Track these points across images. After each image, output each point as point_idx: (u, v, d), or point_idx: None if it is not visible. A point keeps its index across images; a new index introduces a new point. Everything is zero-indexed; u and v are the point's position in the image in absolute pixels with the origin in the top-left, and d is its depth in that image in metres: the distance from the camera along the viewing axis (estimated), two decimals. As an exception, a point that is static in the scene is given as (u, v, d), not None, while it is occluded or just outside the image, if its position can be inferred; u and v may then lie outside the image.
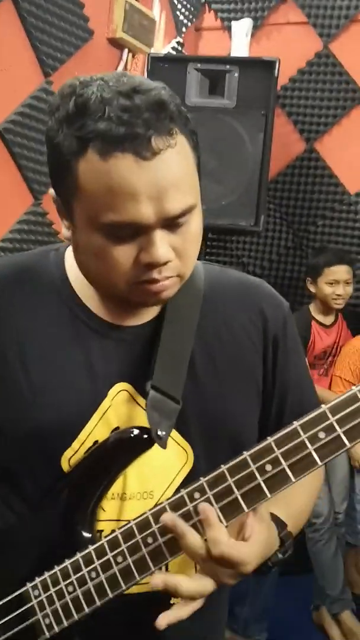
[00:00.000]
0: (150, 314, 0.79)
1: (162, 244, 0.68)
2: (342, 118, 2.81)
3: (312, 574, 2.40)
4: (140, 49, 2.54)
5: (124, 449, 0.72)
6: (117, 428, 0.74)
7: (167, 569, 0.75)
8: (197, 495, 0.66)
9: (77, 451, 0.74)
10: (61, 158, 0.68)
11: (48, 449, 0.73)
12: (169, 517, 0.66)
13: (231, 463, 0.66)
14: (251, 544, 0.67)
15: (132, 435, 0.72)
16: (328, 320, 2.54)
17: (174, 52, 2.89)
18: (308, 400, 0.85)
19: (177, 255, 0.70)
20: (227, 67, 2.37)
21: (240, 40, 2.62)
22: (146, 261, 0.68)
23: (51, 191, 0.74)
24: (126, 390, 0.76)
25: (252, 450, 0.66)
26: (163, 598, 0.71)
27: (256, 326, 0.82)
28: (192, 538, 0.65)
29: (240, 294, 0.84)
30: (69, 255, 0.79)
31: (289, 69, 2.79)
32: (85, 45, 2.24)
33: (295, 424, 0.65)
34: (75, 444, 0.74)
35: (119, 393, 0.76)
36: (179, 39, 2.95)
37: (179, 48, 2.96)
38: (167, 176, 0.66)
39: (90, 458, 0.73)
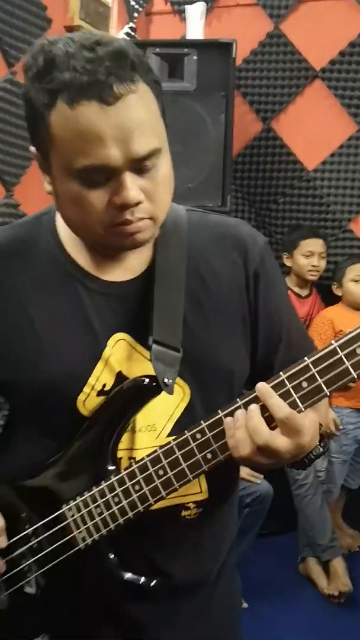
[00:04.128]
0: (138, 268, 0.86)
1: (132, 186, 0.73)
2: (296, 96, 2.90)
3: (294, 532, 2.56)
4: (97, 36, 2.56)
5: (136, 395, 0.82)
6: (120, 372, 0.84)
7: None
8: (198, 436, 0.79)
9: (89, 395, 0.83)
10: (35, 112, 0.73)
11: (63, 396, 0.83)
12: (263, 386, 0.76)
13: (228, 410, 0.78)
14: (307, 419, 0.76)
15: (143, 383, 0.82)
16: (303, 292, 2.66)
17: (127, 38, 2.91)
18: (287, 330, 0.93)
19: (148, 198, 0.75)
20: (185, 50, 2.42)
21: (195, 24, 2.66)
22: (118, 203, 0.73)
23: (32, 148, 0.79)
24: (124, 339, 0.84)
25: (246, 400, 0.77)
26: (174, 512, 0.86)
27: (237, 265, 0.88)
28: (278, 401, 0.74)
29: (219, 237, 0.89)
30: (60, 220, 0.84)
31: (242, 51, 2.83)
32: (45, 34, 2.23)
33: (282, 375, 0.76)
34: (86, 389, 0.83)
35: (117, 342, 0.84)
36: (131, 24, 2.97)
37: (132, 33, 2.98)
38: (131, 119, 0.71)
39: (108, 403, 0.83)
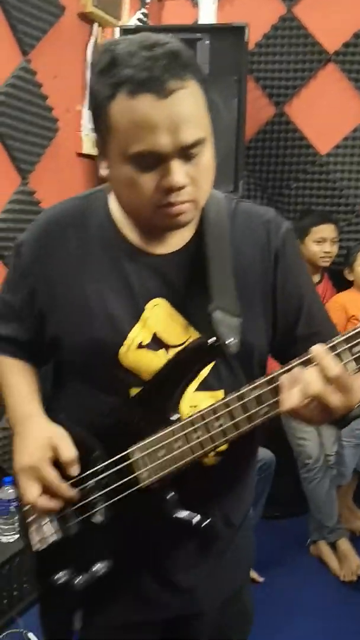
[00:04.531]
0: (178, 244, 0.96)
1: (179, 171, 0.82)
2: (309, 80, 2.89)
3: (305, 515, 2.61)
4: (110, 22, 2.56)
5: (200, 354, 0.91)
6: (155, 333, 0.94)
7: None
8: (256, 391, 0.86)
9: (129, 348, 0.94)
10: (98, 103, 0.84)
11: (107, 349, 0.94)
12: (318, 346, 0.81)
13: (285, 368, 0.84)
14: (358, 380, 0.82)
15: (207, 344, 0.89)
16: (315, 278, 2.67)
17: (140, 24, 2.91)
18: (305, 313, 1.00)
19: (192, 183, 0.85)
20: (198, 35, 2.42)
21: (207, 8, 2.66)
22: (165, 186, 0.83)
23: (94, 135, 0.90)
24: (161, 304, 0.95)
25: (302, 359, 0.83)
26: (224, 466, 0.96)
27: (261, 247, 0.98)
28: (332, 360, 0.80)
29: (249, 221, 0.99)
30: (112, 196, 0.96)
31: (254, 34, 2.83)
32: (58, 22, 2.25)
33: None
34: (126, 343, 0.94)
35: (155, 306, 0.95)
36: (143, 10, 2.96)
37: (145, 19, 2.97)
38: (180, 112, 0.80)
39: (175, 360, 0.93)
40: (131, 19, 2.87)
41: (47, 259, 0.96)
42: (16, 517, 2.17)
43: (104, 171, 0.90)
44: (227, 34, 2.43)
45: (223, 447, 0.95)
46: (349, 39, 2.77)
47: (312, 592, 2.38)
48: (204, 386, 0.95)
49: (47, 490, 0.94)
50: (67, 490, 0.94)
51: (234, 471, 1.02)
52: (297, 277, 1.01)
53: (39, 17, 2.13)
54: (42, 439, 0.95)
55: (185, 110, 0.81)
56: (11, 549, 2.10)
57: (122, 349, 0.94)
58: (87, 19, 2.46)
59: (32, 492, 0.94)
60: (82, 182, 2.63)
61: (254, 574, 2.30)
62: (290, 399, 0.81)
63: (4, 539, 2.15)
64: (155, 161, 0.82)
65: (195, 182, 0.85)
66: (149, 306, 0.94)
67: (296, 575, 2.47)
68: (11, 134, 2.05)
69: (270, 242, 0.98)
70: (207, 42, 2.40)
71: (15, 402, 1.03)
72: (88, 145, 2.58)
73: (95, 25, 2.52)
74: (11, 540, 2.15)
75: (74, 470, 0.94)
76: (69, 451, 0.94)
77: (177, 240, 0.96)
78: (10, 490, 2.19)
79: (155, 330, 0.94)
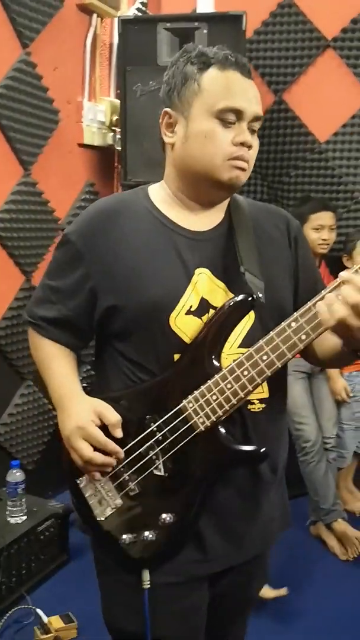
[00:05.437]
0: (211, 224, 1.13)
1: (249, 133, 1.04)
2: (308, 67, 2.89)
3: (305, 497, 2.65)
4: (108, 13, 2.58)
5: (238, 307, 1.05)
6: (202, 297, 1.07)
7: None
8: (293, 324, 0.98)
9: (179, 313, 1.06)
10: (186, 76, 1.05)
11: (161, 312, 1.05)
12: (345, 272, 0.92)
13: (316, 299, 0.96)
14: None
15: (242, 299, 1.05)
16: (313, 266, 2.70)
17: (139, 13, 2.93)
18: (319, 281, 1.24)
19: (252, 149, 1.05)
20: (196, 24, 2.43)
21: (205, -3, 2.67)
22: (240, 140, 1.03)
23: (166, 109, 1.08)
24: (204, 273, 1.09)
25: (331, 287, 0.95)
26: (243, 406, 1.05)
27: (282, 230, 1.18)
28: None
29: (267, 211, 1.22)
30: (151, 191, 1.15)
31: (253, 22, 2.83)
32: (57, 13, 2.28)
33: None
34: (178, 307, 1.06)
35: (200, 274, 1.09)
36: (142, 0, 2.98)
37: (144, 8, 2.99)
38: (255, 92, 1.06)
39: (218, 314, 1.05)
40: (130, 9, 2.89)
41: (98, 241, 1.08)
42: (23, 500, 2.25)
43: (170, 139, 1.08)
44: (225, 23, 2.44)
45: (265, 395, 1.09)
46: (347, 25, 2.77)
47: (313, 570, 2.45)
48: (244, 344, 1.07)
49: (96, 449, 1.05)
50: (114, 445, 1.04)
51: (273, 418, 1.13)
52: (311, 260, 1.23)
53: (38, 9, 2.16)
54: (87, 405, 1.08)
55: (257, 93, 1.06)
56: (19, 529, 2.18)
57: (174, 313, 1.05)
58: (86, 10, 2.48)
59: (86, 449, 1.04)
60: (84, 172, 2.66)
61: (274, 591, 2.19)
62: (336, 312, 0.90)
63: (12, 520, 2.23)
64: (235, 118, 1.02)
65: (252, 150, 1.06)
66: (197, 272, 1.08)
67: (298, 553, 2.53)
68: (13, 126, 2.09)
69: (289, 229, 1.19)
70: (205, 31, 2.42)
71: (57, 383, 1.13)
72: (89, 136, 2.61)
73: (94, 16, 2.54)
74: (19, 522, 2.23)
75: (118, 433, 1.05)
76: (113, 415, 1.05)
77: (209, 220, 1.13)
78: (18, 474, 2.26)
79: (203, 294, 1.07)
